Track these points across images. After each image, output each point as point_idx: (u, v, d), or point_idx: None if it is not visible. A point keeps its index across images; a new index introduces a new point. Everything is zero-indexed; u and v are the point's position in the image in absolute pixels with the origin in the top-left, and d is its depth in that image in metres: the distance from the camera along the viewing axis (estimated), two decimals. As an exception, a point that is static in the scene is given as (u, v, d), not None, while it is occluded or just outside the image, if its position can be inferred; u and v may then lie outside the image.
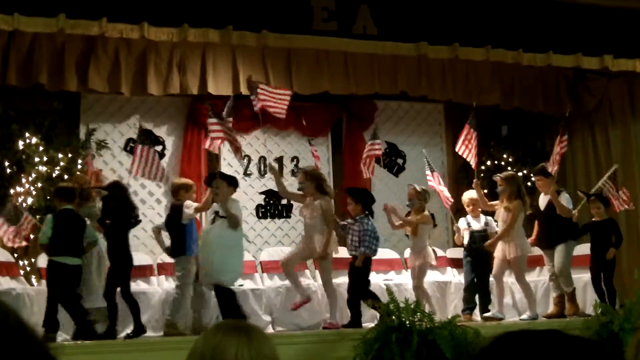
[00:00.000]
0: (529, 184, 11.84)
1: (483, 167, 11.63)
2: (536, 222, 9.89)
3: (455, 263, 10.40)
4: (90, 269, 8.32)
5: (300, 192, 9.07)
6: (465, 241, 9.72)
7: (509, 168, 11.70)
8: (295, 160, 11.08)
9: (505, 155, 11.73)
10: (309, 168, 9.31)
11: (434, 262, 9.45)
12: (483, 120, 11.16)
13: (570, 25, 10.07)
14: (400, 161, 11.72)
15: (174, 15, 8.44)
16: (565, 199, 9.56)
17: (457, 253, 10.60)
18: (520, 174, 11.67)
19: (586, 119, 11.85)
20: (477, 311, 9.63)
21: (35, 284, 8.73)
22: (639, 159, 11.24)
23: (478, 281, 9.58)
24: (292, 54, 9.59)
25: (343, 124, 11.47)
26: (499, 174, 9.71)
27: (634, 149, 11.32)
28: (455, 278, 10.21)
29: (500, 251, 9.36)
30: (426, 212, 9.36)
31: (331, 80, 9.75)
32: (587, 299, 9.71)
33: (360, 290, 8.75)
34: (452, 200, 10.05)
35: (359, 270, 8.80)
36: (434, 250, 9.49)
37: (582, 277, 9.98)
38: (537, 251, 10.77)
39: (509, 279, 10.43)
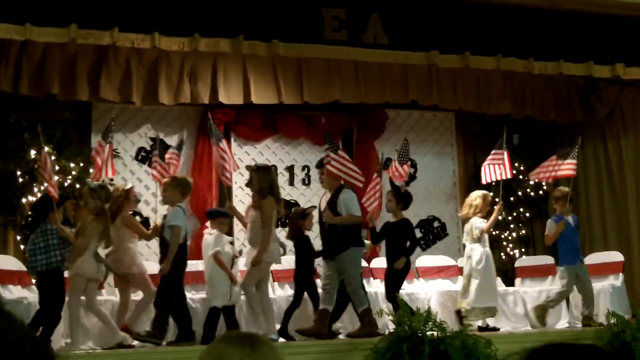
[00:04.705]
0: (540, 192, 11.83)
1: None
2: None
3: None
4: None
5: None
6: None
7: (521, 177, 11.67)
8: (306, 169, 11.08)
9: (516, 164, 11.69)
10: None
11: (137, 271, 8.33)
12: (494, 130, 11.16)
13: (581, 33, 10.03)
14: (411, 170, 11.70)
15: (185, 25, 8.47)
16: (349, 200, 8.34)
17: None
18: (532, 182, 11.65)
19: (598, 128, 11.81)
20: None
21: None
22: (651, 167, 11.18)
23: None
24: (303, 64, 9.60)
25: (354, 133, 11.48)
26: (250, 165, 8.79)
27: (646, 157, 11.26)
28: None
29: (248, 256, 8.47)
30: (127, 213, 8.38)
31: (342, 89, 9.75)
32: (600, 308, 9.62)
33: (50, 309, 7.55)
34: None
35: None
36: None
37: (595, 286, 9.91)
38: (547, 260, 10.72)
39: (521, 288, 10.39)
